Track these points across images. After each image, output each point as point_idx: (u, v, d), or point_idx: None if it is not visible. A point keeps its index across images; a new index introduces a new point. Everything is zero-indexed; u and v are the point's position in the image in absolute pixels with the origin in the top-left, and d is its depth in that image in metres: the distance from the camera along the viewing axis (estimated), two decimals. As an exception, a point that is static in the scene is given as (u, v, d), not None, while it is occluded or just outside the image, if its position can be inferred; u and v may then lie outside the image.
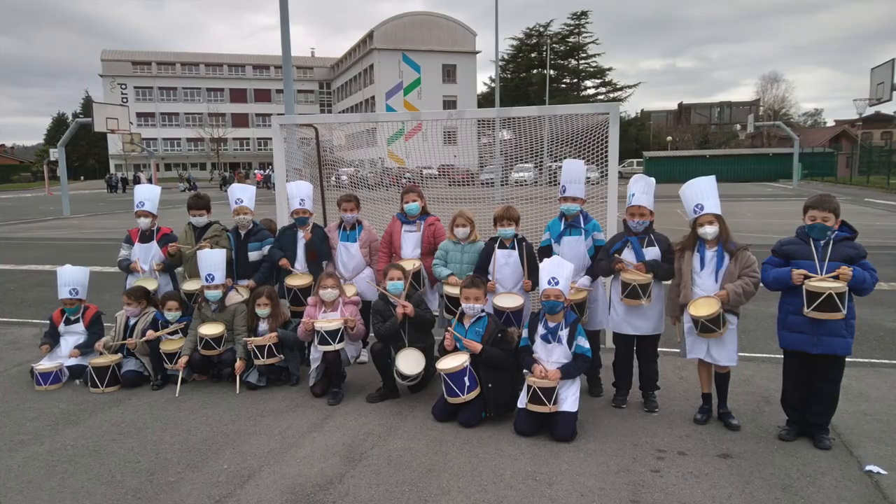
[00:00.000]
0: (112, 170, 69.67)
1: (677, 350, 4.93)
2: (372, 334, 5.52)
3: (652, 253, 4.84)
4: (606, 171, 6.38)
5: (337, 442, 4.47)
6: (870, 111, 44.47)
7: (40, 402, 5.40)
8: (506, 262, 5.30)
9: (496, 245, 5.34)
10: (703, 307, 4.44)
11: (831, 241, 4.16)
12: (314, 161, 7.93)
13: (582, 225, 5.21)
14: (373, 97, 69.42)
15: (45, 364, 5.79)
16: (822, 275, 4.08)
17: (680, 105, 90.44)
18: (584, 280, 5.15)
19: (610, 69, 77.06)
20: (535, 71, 76.01)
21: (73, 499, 3.75)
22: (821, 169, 48.00)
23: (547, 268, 4.63)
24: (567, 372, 4.54)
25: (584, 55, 76.51)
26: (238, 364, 5.58)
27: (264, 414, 5.03)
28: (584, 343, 4.61)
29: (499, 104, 35.49)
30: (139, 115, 76.48)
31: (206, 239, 6.08)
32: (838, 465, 4.00)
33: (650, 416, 4.84)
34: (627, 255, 4.87)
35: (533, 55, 77.16)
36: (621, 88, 76.27)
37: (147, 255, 6.30)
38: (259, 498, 3.72)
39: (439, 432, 4.61)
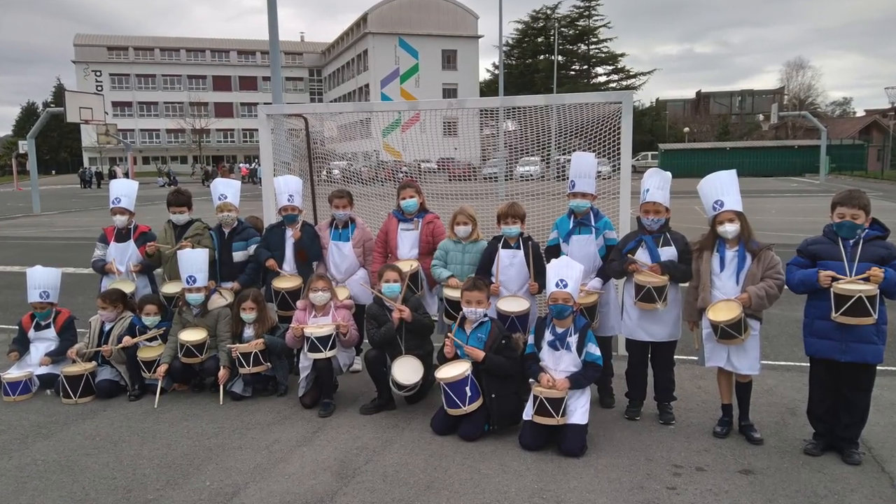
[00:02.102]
0: (86, 163, 69.65)
1: (695, 358, 4.94)
2: (366, 341, 5.52)
3: (668, 253, 4.84)
4: (619, 164, 6.39)
5: (328, 457, 4.47)
6: (903, 100, 44.44)
7: (8, 413, 5.40)
8: (510, 263, 5.30)
9: (500, 245, 5.34)
10: (722, 311, 4.44)
11: (861, 241, 4.16)
12: (304, 154, 7.93)
13: (592, 223, 5.21)
14: (367, 85, 69.42)
15: (13, 373, 5.80)
16: (851, 276, 4.08)
17: (698, 93, 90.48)
18: (595, 282, 5.15)
19: (622, 55, 77.04)
20: (541, 57, 76.02)
21: (43, 518, 3.76)
22: (850, 162, 48.01)
23: (555, 269, 4.63)
24: (576, 381, 4.54)
25: (594, 40, 76.51)
26: (221, 373, 5.58)
27: (250, 427, 5.03)
28: (594, 350, 4.62)
29: (503, 93, 35.49)
30: (115, 104, 76.43)
31: (187, 238, 6.08)
32: (869, 481, 4.00)
33: (666, 429, 4.84)
34: (641, 256, 4.87)
35: (539, 40, 77.15)
36: (635, 76, 76.31)
37: (123, 256, 6.30)
38: (244, 517, 3.72)
39: (438, 446, 4.61)
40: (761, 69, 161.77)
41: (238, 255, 6.17)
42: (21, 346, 6.10)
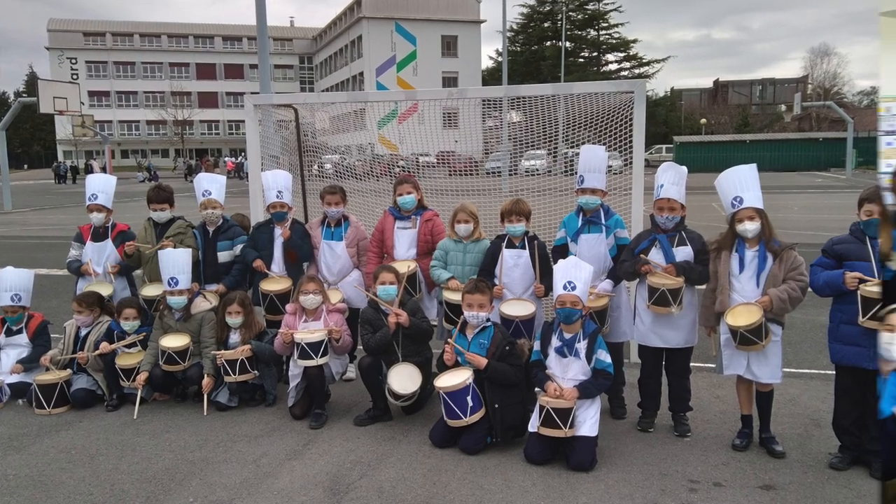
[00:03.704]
0: (60, 157, 69.74)
1: (712, 365, 4.93)
2: (360, 347, 5.52)
3: (683, 253, 4.84)
4: (631, 158, 6.39)
5: (320, 471, 4.48)
6: (935, 89, 44.41)
7: (-23, 425, 5.40)
8: (515, 264, 5.30)
9: (504, 244, 5.35)
10: (742, 316, 4.44)
11: (890, 240, 4.16)
12: (293, 147, 7.94)
13: (602, 221, 5.21)
14: (361, 73, 69.51)
15: (-18, 381, 5.80)
16: (879, 278, 4.08)
17: (716, 82, 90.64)
18: (606, 284, 5.15)
19: (635, 41, 76.99)
20: (548, 43, 76.06)
21: (15, 537, 3.76)
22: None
23: (562, 270, 4.63)
24: (585, 390, 4.54)
25: (604, 25, 76.52)
26: (206, 381, 5.58)
27: (236, 439, 5.04)
28: (604, 357, 4.62)
29: (506, 81, 35.50)
30: (91, 93, 76.50)
31: (168, 237, 6.08)
32: (898, 497, 4.00)
33: (681, 442, 4.85)
34: (655, 256, 4.87)
35: (546, 25, 77.22)
36: (648, 63, 76.29)
37: (101, 256, 6.30)
38: (230, 536, 3.73)
39: (438, 460, 4.62)
40: (783, 56, 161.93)
41: (223, 256, 6.17)
42: (-9, 352, 6.11)
